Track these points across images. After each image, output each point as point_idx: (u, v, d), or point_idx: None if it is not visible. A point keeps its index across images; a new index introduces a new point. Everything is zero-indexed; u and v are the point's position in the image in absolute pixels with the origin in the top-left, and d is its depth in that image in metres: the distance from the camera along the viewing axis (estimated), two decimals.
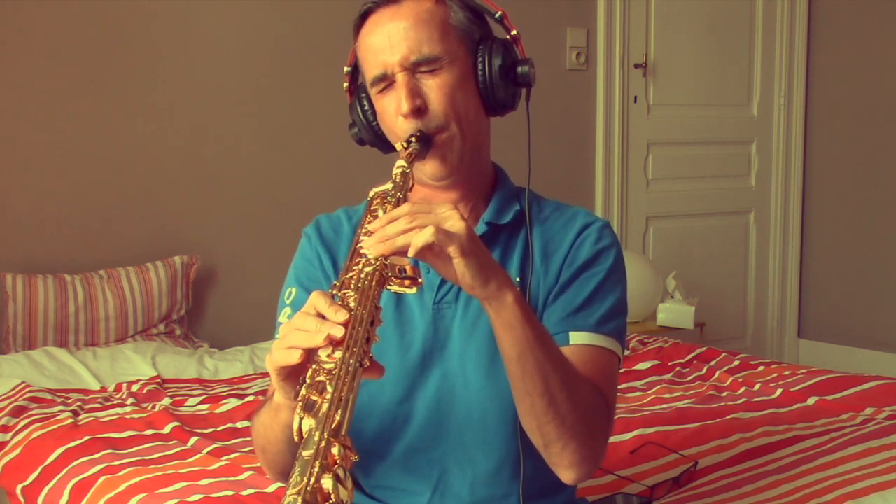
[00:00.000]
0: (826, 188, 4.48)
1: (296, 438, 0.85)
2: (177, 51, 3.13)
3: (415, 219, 1.00)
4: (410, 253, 0.98)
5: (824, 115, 4.45)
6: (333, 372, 0.88)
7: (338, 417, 0.83)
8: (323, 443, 0.80)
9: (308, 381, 0.89)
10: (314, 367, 0.90)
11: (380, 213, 1.09)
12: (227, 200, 3.24)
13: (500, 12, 1.27)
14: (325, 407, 0.84)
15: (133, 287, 2.90)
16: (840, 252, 4.44)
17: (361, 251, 1.02)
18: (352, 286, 0.98)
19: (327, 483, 0.77)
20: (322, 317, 0.94)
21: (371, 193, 1.15)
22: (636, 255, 3.81)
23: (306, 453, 0.79)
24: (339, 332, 0.91)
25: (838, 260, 4.45)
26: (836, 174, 4.44)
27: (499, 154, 1.35)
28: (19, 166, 2.91)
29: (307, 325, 0.94)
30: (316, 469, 0.77)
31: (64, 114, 2.97)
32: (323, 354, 0.91)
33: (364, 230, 1.06)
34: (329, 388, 0.86)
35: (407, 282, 1.00)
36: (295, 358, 0.93)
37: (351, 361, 0.88)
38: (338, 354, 0.89)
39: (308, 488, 0.75)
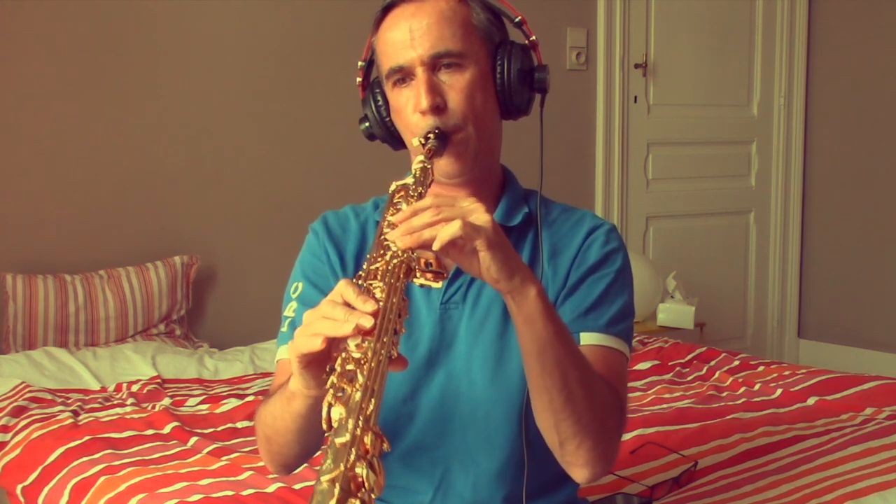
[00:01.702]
0: (826, 188, 4.48)
1: (324, 426, 0.84)
2: (177, 51, 3.13)
3: (440, 211, 0.99)
4: (436, 246, 0.98)
5: (824, 115, 4.45)
6: (363, 361, 0.87)
7: (371, 406, 0.82)
8: (358, 430, 0.79)
9: (338, 369, 0.88)
10: (343, 356, 0.89)
11: (403, 205, 1.08)
12: (227, 200, 3.24)
13: (519, 17, 1.27)
14: (357, 395, 0.83)
15: (133, 287, 2.90)
16: (840, 252, 4.44)
17: (385, 243, 1.01)
18: (378, 276, 0.97)
19: (361, 471, 0.76)
20: (350, 306, 0.93)
21: (393, 186, 1.14)
22: (636, 255, 3.81)
23: (339, 441, 0.78)
24: (368, 322, 0.90)
25: (838, 260, 4.45)
26: (836, 174, 4.44)
27: (505, 155, 1.35)
28: (19, 166, 2.91)
29: (335, 313, 0.93)
30: (352, 457, 0.76)
31: (64, 114, 2.97)
32: (352, 344, 0.90)
33: (387, 222, 1.06)
34: (360, 377, 0.85)
35: (431, 275, 0.99)
36: (317, 344, 0.92)
37: (382, 352, 0.87)
38: (367, 344, 0.89)
39: (343, 476, 0.74)
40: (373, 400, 0.83)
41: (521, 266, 1.06)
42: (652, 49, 4.11)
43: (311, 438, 1.16)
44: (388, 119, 1.30)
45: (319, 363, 0.96)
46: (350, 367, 0.88)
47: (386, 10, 1.25)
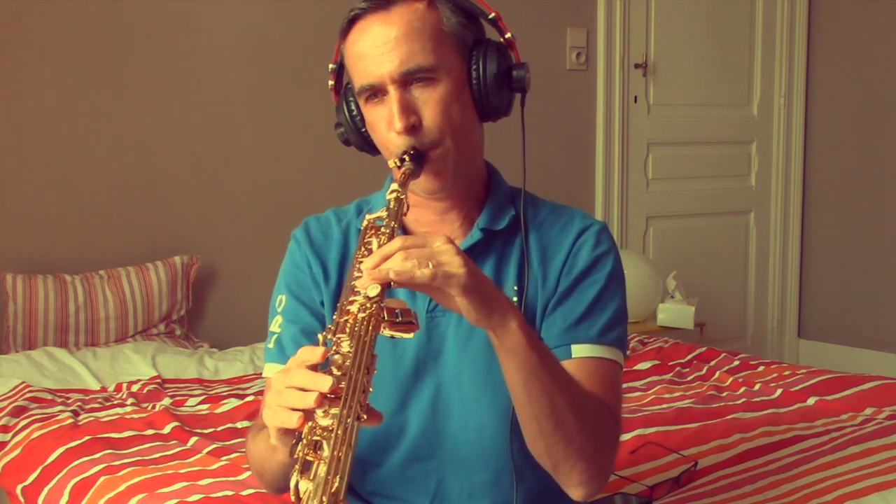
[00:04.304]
0: (826, 188, 4.48)
1: (293, 498, 0.85)
2: (177, 51, 3.13)
3: (409, 255, 0.97)
4: (394, 277, 0.96)
5: (824, 115, 4.45)
6: (330, 429, 0.87)
7: (336, 483, 0.82)
8: None
9: (304, 439, 0.88)
10: (310, 424, 0.89)
11: (374, 244, 1.06)
12: (227, 200, 3.24)
13: (493, 14, 1.22)
14: (322, 470, 0.83)
15: (133, 287, 2.90)
16: (840, 252, 4.44)
17: (356, 290, 0.99)
18: (347, 330, 0.96)
19: None
20: (315, 368, 0.93)
21: (365, 222, 1.11)
22: (636, 255, 3.81)
23: None
24: (325, 385, 0.89)
25: (838, 260, 4.44)
26: (836, 174, 4.44)
27: (498, 155, 1.33)
28: (20, 166, 2.91)
29: (301, 380, 0.91)
30: None
31: (64, 114, 2.97)
32: (319, 410, 0.89)
33: (358, 262, 1.04)
34: (326, 447, 0.85)
35: (402, 326, 0.97)
36: (294, 422, 0.90)
37: (348, 421, 0.87)
38: (334, 411, 0.88)
39: None
40: (339, 476, 0.83)
41: (500, 300, 1.04)
42: (652, 49, 4.11)
43: None
44: (363, 130, 1.26)
45: (294, 429, 0.95)
46: (317, 436, 0.87)
47: (352, 21, 1.20)
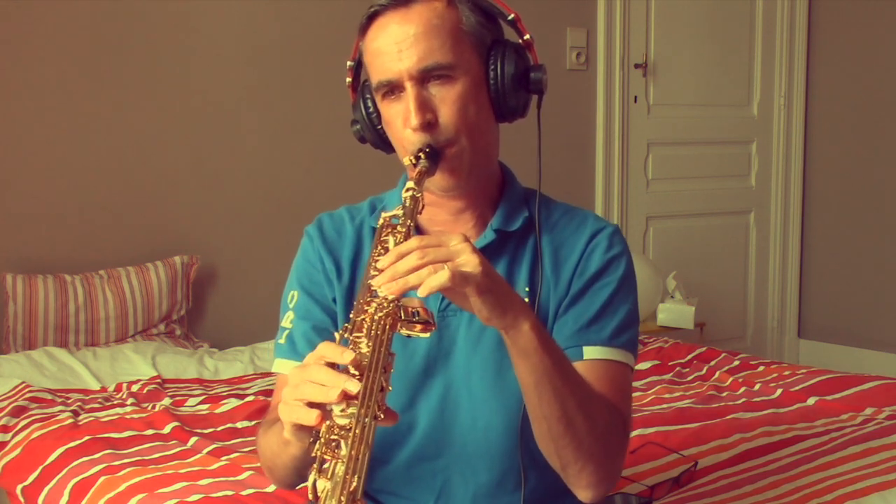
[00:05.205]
0: (826, 188, 4.48)
1: (310, 497, 0.85)
2: (178, 50, 3.13)
3: (426, 254, 0.97)
4: (421, 293, 0.95)
5: (824, 115, 4.45)
6: (348, 428, 0.87)
7: (354, 482, 0.82)
8: None
9: (322, 438, 0.88)
10: (328, 422, 0.89)
11: (390, 242, 1.05)
12: (227, 200, 3.24)
13: (513, 15, 1.22)
14: (340, 469, 0.83)
15: (133, 287, 2.90)
16: (840, 252, 4.44)
17: (372, 288, 0.99)
18: (364, 330, 0.96)
19: None
20: (333, 365, 0.92)
21: (381, 220, 1.11)
22: (636, 255, 3.81)
23: None
24: (354, 388, 0.89)
25: (838, 260, 4.44)
26: (836, 174, 4.44)
27: (504, 155, 1.33)
28: (20, 166, 2.91)
29: (320, 376, 0.92)
30: None
31: (64, 114, 2.97)
32: (336, 409, 0.89)
33: (374, 261, 1.04)
34: (344, 447, 0.85)
35: (419, 326, 0.97)
36: (313, 419, 0.90)
37: (366, 420, 0.87)
38: (352, 410, 0.88)
39: None
40: (357, 475, 0.83)
41: (514, 301, 1.04)
42: (652, 49, 4.11)
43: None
44: (379, 127, 1.26)
45: (311, 426, 0.95)
46: (335, 435, 0.88)
47: (371, 18, 1.20)
